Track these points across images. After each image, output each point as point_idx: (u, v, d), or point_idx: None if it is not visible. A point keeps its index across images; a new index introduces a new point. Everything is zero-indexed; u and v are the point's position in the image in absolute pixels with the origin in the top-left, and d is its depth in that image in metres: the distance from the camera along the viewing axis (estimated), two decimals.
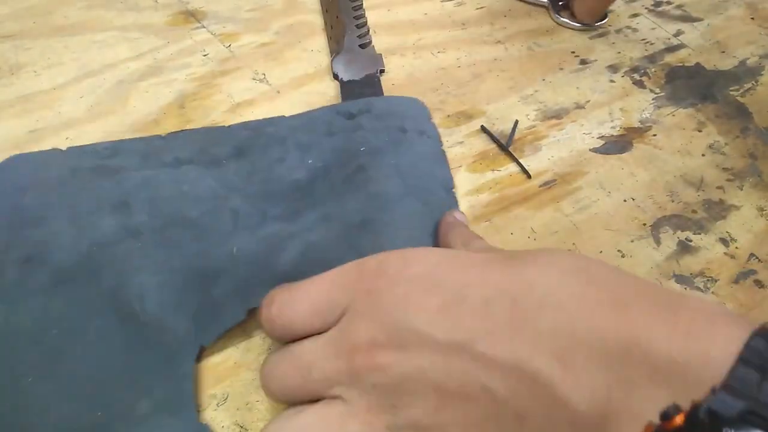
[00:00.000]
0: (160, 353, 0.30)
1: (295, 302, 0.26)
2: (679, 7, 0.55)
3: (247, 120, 0.43)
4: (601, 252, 0.37)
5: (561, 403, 0.17)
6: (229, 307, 0.31)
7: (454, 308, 0.21)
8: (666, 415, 0.14)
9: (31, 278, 0.32)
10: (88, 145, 0.39)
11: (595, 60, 0.49)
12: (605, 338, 0.17)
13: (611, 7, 0.53)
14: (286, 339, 0.27)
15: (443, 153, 0.40)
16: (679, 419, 0.13)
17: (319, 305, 0.25)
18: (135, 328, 0.31)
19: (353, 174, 0.36)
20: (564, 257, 0.21)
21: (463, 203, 0.39)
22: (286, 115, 0.43)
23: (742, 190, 0.40)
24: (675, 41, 0.51)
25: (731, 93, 0.47)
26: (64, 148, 0.38)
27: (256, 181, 0.37)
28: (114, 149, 0.38)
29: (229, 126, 0.40)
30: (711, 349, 0.15)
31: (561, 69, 0.48)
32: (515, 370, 0.18)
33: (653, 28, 0.53)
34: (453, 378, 0.20)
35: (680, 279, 0.36)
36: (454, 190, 0.38)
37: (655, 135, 0.44)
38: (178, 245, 0.34)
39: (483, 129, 0.43)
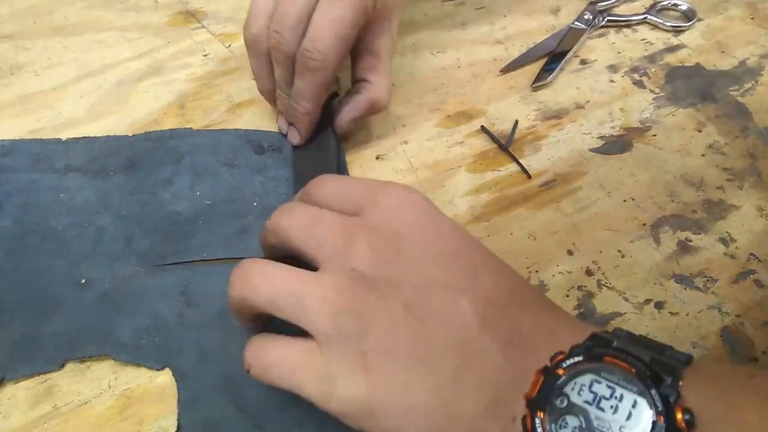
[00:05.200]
0: None
1: (326, 179, 0.30)
2: (679, 7, 0.54)
3: (244, 117, 0.43)
4: (601, 252, 0.37)
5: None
6: (48, 353, 0.30)
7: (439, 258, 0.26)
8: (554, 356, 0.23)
9: None
10: None
11: (595, 60, 0.49)
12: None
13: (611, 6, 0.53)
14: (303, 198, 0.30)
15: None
16: (562, 355, 0.23)
17: (342, 191, 0.28)
18: None
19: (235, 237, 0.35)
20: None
21: (463, 203, 0.39)
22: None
23: (741, 190, 0.40)
24: (675, 41, 0.51)
25: (731, 93, 0.47)
26: None
27: (135, 202, 0.37)
28: (10, 147, 0.39)
29: (133, 135, 0.40)
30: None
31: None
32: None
33: (653, 28, 0.53)
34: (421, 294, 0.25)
35: (680, 279, 0.36)
36: None
37: (654, 135, 0.44)
38: (32, 256, 0.34)
39: (483, 129, 0.43)
